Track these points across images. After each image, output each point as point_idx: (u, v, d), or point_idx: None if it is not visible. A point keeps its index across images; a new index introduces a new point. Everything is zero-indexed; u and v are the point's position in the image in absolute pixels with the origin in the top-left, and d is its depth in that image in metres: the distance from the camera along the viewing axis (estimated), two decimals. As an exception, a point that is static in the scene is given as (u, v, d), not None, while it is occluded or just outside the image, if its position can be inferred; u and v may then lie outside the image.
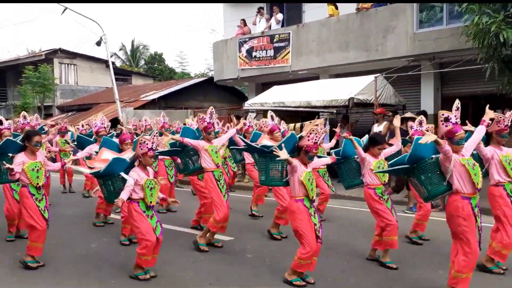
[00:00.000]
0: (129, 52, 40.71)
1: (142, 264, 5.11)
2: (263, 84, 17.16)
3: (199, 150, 6.33)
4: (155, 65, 41.13)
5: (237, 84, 21.00)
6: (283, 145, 4.94)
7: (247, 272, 5.36)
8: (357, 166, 5.93)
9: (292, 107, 12.42)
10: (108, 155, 5.70)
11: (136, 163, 5.22)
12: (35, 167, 5.50)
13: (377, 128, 10.24)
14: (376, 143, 5.62)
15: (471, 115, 9.98)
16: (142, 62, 41.86)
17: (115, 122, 17.20)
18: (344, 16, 13.81)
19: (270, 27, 15.61)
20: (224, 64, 16.93)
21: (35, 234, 5.48)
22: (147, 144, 5.04)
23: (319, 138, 4.88)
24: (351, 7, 13.70)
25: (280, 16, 15.65)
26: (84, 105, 25.64)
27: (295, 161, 4.84)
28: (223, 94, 22.98)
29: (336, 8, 14.29)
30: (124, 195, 4.93)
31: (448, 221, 4.52)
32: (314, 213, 4.94)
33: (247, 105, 13.90)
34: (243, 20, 16.58)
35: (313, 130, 4.84)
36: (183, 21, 65.36)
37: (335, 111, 13.52)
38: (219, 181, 6.30)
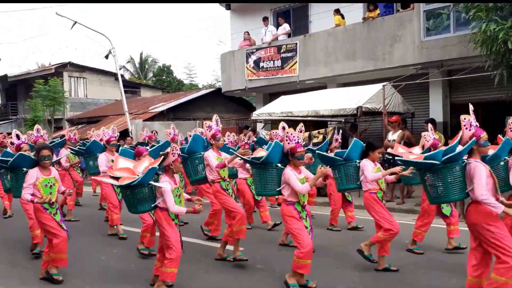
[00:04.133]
0: (137, 65, 41.06)
1: (171, 272, 4.95)
2: (271, 95, 17.21)
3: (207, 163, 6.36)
4: (164, 77, 41.38)
5: (244, 94, 21.07)
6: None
7: (257, 282, 5.34)
8: (356, 171, 6.08)
9: (300, 116, 12.42)
10: (125, 163, 5.48)
11: (160, 172, 5.17)
12: (48, 182, 5.45)
13: (392, 136, 10.20)
14: (375, 147, 5.82)
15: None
16: (151, 74, 42.16)
17: (124, 134, 17.32)
18: (350, 25, 13.86)
19: (277, 38, 15.71)
20: (232, 75, 17.02)
21: (56, 244, 5.39)
22: (178, 150, 5.12)
23: (298, 137, 5.05)
24: (358, 17, 13.77)
25: (286, 27, 15.74)
26: (94, 117, 25.84)
27: (291, 173, 4.97)
28: (231, 104, 23.06)
29: (343, 18, 14.36)
30: (177, 208, 4.97)
31: (473, 230, 4.25)
32: (306, 216, 5.12)
33: (255, 115, 13.94)
34: (247, 32, 16.69)
35: (288, 132, 5.08)
36: (190, 31, 65.91)
37: (343, 120, 13.51)
38: (227, 190, 6.33)
